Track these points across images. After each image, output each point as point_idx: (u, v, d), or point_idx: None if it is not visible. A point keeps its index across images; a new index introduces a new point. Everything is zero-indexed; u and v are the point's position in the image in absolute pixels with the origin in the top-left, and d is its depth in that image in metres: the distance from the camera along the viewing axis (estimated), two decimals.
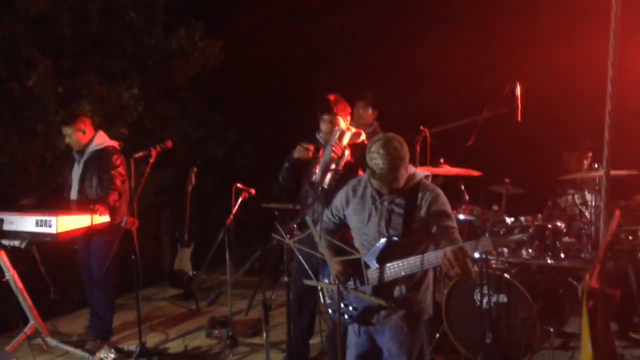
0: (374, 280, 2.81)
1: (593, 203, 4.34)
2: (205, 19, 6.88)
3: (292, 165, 4.00)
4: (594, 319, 1.59)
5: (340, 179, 3.61)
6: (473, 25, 6.25)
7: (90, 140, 4.73)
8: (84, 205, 4.55)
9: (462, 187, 4.75)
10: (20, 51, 5.68)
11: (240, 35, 7.16)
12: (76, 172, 4.73)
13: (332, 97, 3.95)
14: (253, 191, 4.65)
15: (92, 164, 4.67)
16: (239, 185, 4.61)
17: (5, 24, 5.53)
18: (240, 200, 4.55)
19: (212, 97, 7.59)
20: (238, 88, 7.52)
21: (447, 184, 4.51)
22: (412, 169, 2.87)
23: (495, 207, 4.49)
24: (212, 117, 7.57)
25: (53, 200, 4.86)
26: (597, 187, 4.32)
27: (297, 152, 3.97)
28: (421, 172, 2.93)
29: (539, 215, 4.43)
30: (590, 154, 4.82)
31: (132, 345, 4.63)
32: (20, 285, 4.52)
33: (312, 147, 3.94)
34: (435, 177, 4.08)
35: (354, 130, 3.93)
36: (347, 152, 3.80)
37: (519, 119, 3.82)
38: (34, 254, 4.39)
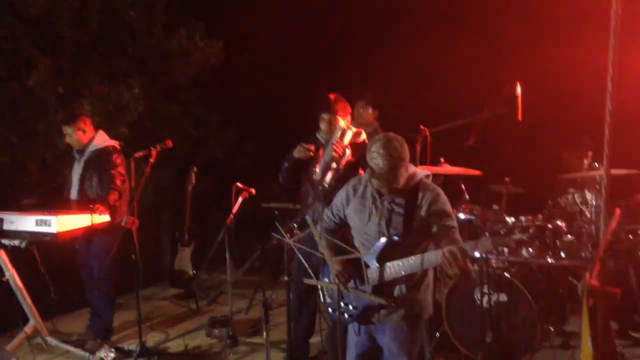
0: (374, 279, 2.81)
1: (593, 202, 4.34)
2: (206, 19, 6.87)
3: (292, 165, 4.00)
4: (594, 317, 1.59)
5: (341, 179, 3.61)
6: (473, 25, 6.25)
7: (91, 140, 4.74)
8: (84, 204, 4.55)
9: (462, 187, 4.75)
10: (20, 51, 5.68)
11: (241, 35, 7.16)
12: (76, 171, 4.74)
13: (332, 97, 3.95)
14: (253, 191, 4.65)
15: (92, 164, 4.68)
16: (239, 184, 4.61)
17: (6, 24, 5.53)
18: (240, 199, 4.55)
19: (213, 96, 7.59)
20: (238, 88, 7.51)
21: (447, 183, 4.51)
22: (412, 168, 2.87)
23: (495, 207, 4.48)
24: (213, 117, 7.57)
25: (53, 200, 4.86)
26: (597, 187, 4.32)
27: (297, 152, 3.97)
28: (422, 171, 2.93)
29: (540, 215, 4.42)
30: (590, 153, 4.82)
31: (132, 345, 4.63)
32: (21, 284, 4.53)
33: (312, 147, 3.95)
34: (435, 176, 4.08)
35: (354, 129, 3.94)
36: (348, 152, 3.80)
37: (520, 118, 3.81)
38: (34, 254, 4.39)
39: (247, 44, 7.18)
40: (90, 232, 4.47)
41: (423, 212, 2.78)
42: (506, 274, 4.08)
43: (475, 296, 4.14)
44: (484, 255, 3.94)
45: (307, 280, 3.00)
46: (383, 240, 2.80)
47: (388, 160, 2.67)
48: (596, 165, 4.68)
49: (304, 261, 2.96)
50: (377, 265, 2.80)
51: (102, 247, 4.61)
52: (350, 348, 3.03)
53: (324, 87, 4.14)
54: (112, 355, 4.41)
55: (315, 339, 4.34)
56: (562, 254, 4.19)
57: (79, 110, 5.37)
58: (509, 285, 4.05)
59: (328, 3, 6.87)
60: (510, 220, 4.31)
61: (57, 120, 5.50)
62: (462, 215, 4.54)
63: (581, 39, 5.17)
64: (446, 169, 4.32)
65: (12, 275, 4.47)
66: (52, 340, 4.68)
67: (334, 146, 3.77)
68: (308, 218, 2.82)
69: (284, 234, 3.00)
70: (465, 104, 4.58)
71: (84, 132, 4.70)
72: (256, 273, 5.94)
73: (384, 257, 2.78)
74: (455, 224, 2.81)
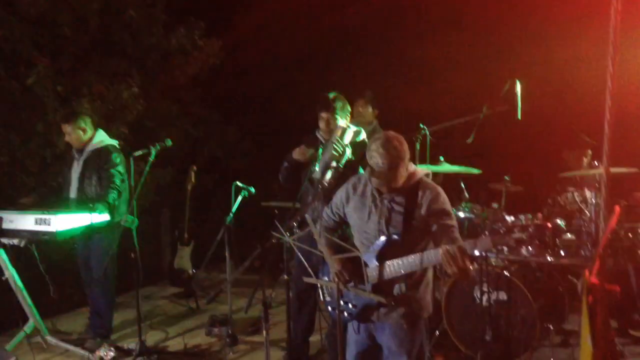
0: (374, 278, 2.81)
1: (593, 201, 4.34)
2: (205, 18, 6.87)
3: (292, 165, 4.00)
4: (593, 315, 1.59)
5: (341, 178, 3.61)
6: (473, 24, 6.26)
7: (90, 139, 4.73)
8: (83, 203, 4.55)
9: (462, 185, 4.75)
10: (20, 50, 5.68)
11: (240, 34, 7.16)
12: (75, 170, 4.73)
13: (331, 96, 3.95)
14: (253, 190, 4.65)
15: (91, 163, 4.67)
16: (238, 183, 4.61)
17: (5, 24, 5.53)
18: (240, 198, 4.55)
19: (212, 96, 7.59)
20: (238, 87, 7.52)
21: (447, 182, 4.51)
22: (412, 167, 2.87)
23: (495, 205, 4.48)
24: (212, 116, 7.57)
25: (52, 198, 4.86)
26: (596, 185, 4.32)
27: (296, 154, 3.97)
28: (421, 170, 2.93)
29: (539, 214, 4.42)
30: (589, 152, 4.82)
31: (132, 344, 4.63)
32: (20, 283, 4.53)
33: (311, 151, 3.95)
34: (434, 175, 4.08)
35: (354, 128, 3.94)
36: (347, 151, 3.80)
37: (519, 117, 3.81)
38: (34, 253, 4.39)
39: (246, 43, 7.18)
40: (90, 231, 4.47)
41: (423, 211, 2.78)
42: (506, 273, 4.08)
43: (475, 295, 4.15)
44: (483, 254, 3.95)
45: (306, 279, 3.00)
46: (383, 238, 2.80)
47: (387, 159, 2.68)
48: (595, 163, 4.68)
49: (303, 260, 2.96)
50: (377, 263, 2.80)
51: (102, 246, 4.61)
52: (350, 346, 3.03)
53: (324, 86, 4.14)
54: (112, 354, 4.41)
55: (315, 338, 4.34)
56: (562, 253, 4.19)
57: (79, 109, 5.37)
58: (509, 283, 4.05)
59: (328, 3, 6.87)
60: (509, 218, 4.31)
61: (56, 119, 5.50)
62: (461, 214, 4.54)
63: (581, 37, 5.17)
64: (446, 167, 4.32)
65: (11, 274, 4.47)
66: (51, 339, 4.67)
67: (334, 145, 3.76)
68: (308, 217, 2.81)
69: (284, 232, 3.00)
70: (465, 103, 4.59)
71: (84, 131, 4.70)
72: (256, 272, 5.94)
73: (383, 255, 2.78)
74: (454, 223, 2.81)
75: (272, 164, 4.35)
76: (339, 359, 2.80)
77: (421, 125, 4.09)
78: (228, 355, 4.55)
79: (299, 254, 2.99)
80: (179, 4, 6.91)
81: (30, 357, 4.44)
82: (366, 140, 3.86)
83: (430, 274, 2.95)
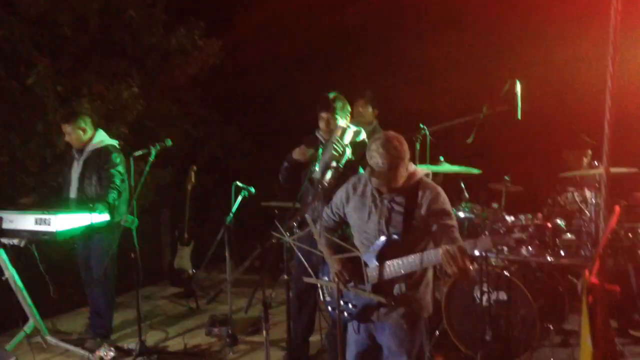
0: (374, 278, 2.81)
1: (593, 201, 4.34)
2: (205, 18, 6.87)
3: (292, 165, 4.00)
4: (593, 315, 1.59)
5: (341, 178, 3.61)
6: (473, 24, 6.26)
7: (90, 139, 4.73)
8: (83, 203, 4.55)
9: (462, 185, 4.75)
10: (20, 51, 5.68)
11: (240, 34, 7.16)
12: (75, 170, 4.73)
13: (331, 96, 3.95)
14: (253, 190, 4.65)
15: (91, 163, 4.67)
16: (238, 183, 4.61)
17: (5, 24, 5.53)
18: (240, 198, 4.55)
19: (212, 96, 7.59)
20: (238, 87, 7.52)
21: (447, 182, 4.51)
22: (412, 167, 2.87)
23: (495, 205, 4.48)
24: (212, 116, 7.57)
25: (52, 198, 4.86)
26: (596, 185, 4.32)
27: (296, 154, 3.97)
28: (421, 170, 2.93)
29: (539, 214, 4.42)
30: (589, 152, 4.82)
31: (132, 344, 4.63)
32: (20, 283, 4.52)
33: (312, 151, 3.95)
34: (434, 175, 4.08)
35: (354, 128, 3.93)
36: (347, 151, 3.80)
37: (519, 117, 3.81)
38: (34, 253, 4.39)
39: (246, 43, 7.18)
40: (90, 231, 4.47)
41: (423, 211, 2.78)
42: (506, 273, 4.08)
43: (475, 295, 4.15)
44: (483, 254, 3.95)
45: (306, 279, 3.00)
46: (383, 238, 2.80)
47: (387, 159, 2.68)
48: (595, 163, 4.68)
49: (303, 260, 2.96)
50: (377, 263, 2.80)
51: (102, 246, 4.61)
52: (350, 346, 3.03)
53: (324, 86, 4.14)
54: (112, 354, 4.41)
55: (315, 338, 4.34)
56: (562, 253, 4.19)
57: (79, 109, 5.37)
58: (509, 283, 4.05)
59: (328, 3, 6.87)
60: (509, 218, 4.31)
61: (56, 119, 5.50)
62: (461, 214, 4.54)
63: (580, 38, 5.17)
64: (446, 167, 4.33)
65: (11, 274, 4.47)
66: (51, 339, 4.67)
67: (334, 145, 3.76)
68: (308, 217, 2.81)
69: (284, 232, 3.00)
70: (465, 103, 4.59)
71: (84, 131, 4.69)
72: (256, 272, 5.94)
73: (383, 255, 2.78)
74: (454, 223, 2.81)
75: (272, 164, 4.34)
76: (339, 359, 2.80)
77: (421, 125, 4.08)
78: (228, 355, 4.55)
79: (299, 254, 2.99)
80: (179, 4, 6.91)
81: (30, 357, 4.44)
82: (366, 140, 3.86)
83: (430, 274, 2.95)
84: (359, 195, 2.94)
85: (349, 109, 4.05)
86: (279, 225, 3.04)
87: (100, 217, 4.47)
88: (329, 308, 3.11)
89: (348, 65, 6.78)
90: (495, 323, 4.03)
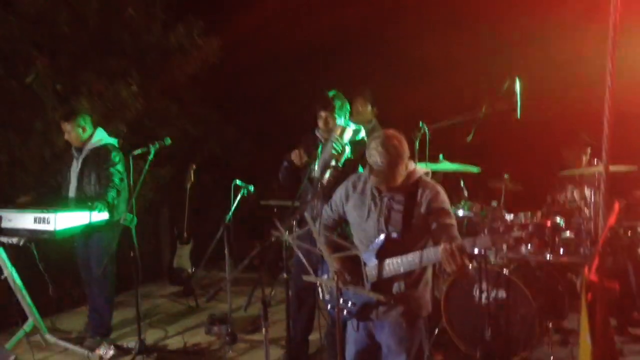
0: (373, 276, 2.81)
1: (592, 199, 4.34)
2: (204, 17, 6.86)
3: (291, 165, 4.01)
4: (593, 312, 1.59)
5: (340, 176, 3.60)
6: (472, 22, 6.25)
7: (90, 138, 4.72)
8: (83, 202, 4.54)
9: (461, 183, 4.75)
10: (18, 49, 5.67)
11: (239, 32, 7.14)
12: (74, 169, 4.73)
13: (330, 95, 3.95)
14: (252, 188, 4.64)
15: (90, 161, 4.67)
16: (238, 182, 4.61)
17: (4, 22, 5.52)
18: (239, 197, 4.55)
19: (211, 94, 7.58)
20: (237, 85, 7.51)
21: (446, 180, 4.50)
22: (412, 165, 2.87)
23: (494, 204, 4.48)
24: (211, 115, 7.56)
25: (51, 197, 4.85)
26: (596, 183, 4.32)
27: (294, 155, 3.98)
28: (421, 169, 2.93)
29: (538, 212, 4.42)
30: (588, 150, 4.82)
31: (131, 342, 4.63)
32: (19, 282, 4.52)
33: (306, 158, 3.96)
34: (434, 173, 4.08)
35: (353, 127, 3.93)
36: (347, 149, 3.80)
37: (518, 115, 3.81)
38: (33, 252, 4.38)
39: (245, 41, 7.17)
40: (89, 230, 4.47)
41: (422, 209, 2.78)
42: (505, 271, 4.08)
43: (474, 293, 4.14)
44: (482, 252, 3.95)
45: (306, 278, 3.00)
46: (382, 237, 2.80)
47: (386, 158, 2.68)
48: (595, 162, 4.68)
49: (302, 258, 2.95)
50: (376, 262, 2.79)
51: (101, 244, 4.61)
52: (349, 345, 3.03)
53: (323, 85, 4.13)
54: (111, 352, 4.42)
55: (314, 336, 4.34)
56: (561, 251, 4.19)
57: (79, 107, 5.36)
58: (508, 282, 4.05)
59: (327, 1, 6.86)
60: (509, 217, 4.31)
61: (55, 118, 5.49)
62: (461, 212, 4.54)
63: (580, 36, 5.17)
64: (445, 166, 4.32)
65: (10, 273, 4.47)
66: (51, 338, 4.67)
67: (333, 144, 3.76)
68: (307, 215, 2.81)
69: (283, 231, 3.00)
70: (464, 101, 4.59)
71: (84, 129, 4.69)
72: (255, 270, 5.93)
73: (382, 254, 2.78)
74: (454, 221, 2.81)
75: (272, 162, 4.34)
76: (338, 358, 2.80)
77: (421, 124, 4.08)
78: (227, 354, 4.56)
79: (298, 252, 2.99)
80: (178, 3, 6.91)
81: (29, 356, 4.44)
82: (365, 138, 3.85)
83: (429, 273, 2.95)
84: (359, 193, 2.94)
85: (348, 107, 4.05)
86: (278, 224, 3.03)
87: (100, 216, 4.47)
88: (329, 306, 3.11)
89: (347, 64, 6.77)
90: (495, 321, 4.03)
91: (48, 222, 4.19)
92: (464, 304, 4.22)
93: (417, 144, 4.00)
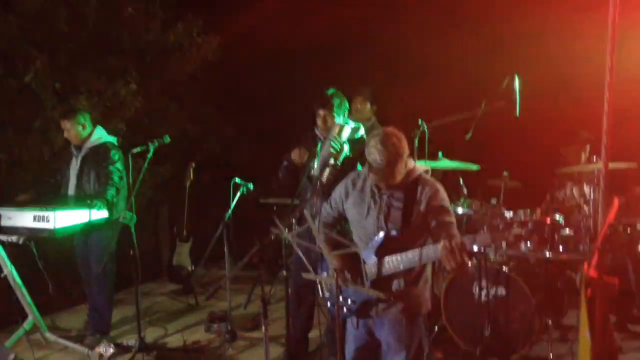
0: (373, 274, 2.81)
1: (591, 196, 4.34)
2: (203, 15, 6.86)
3: (291, 164, 4.01)
4: (592, 307, 1.59)
5: (339, 174, 3.61)
6: (471, 19, 6.25)
7: (89, 136, 4.72)
8: (82, 200, 4.54)
9: (461, 181, 4.75)
10: (16, 47, 5.66)
11: (239, 31, 7.14)
12: (74, 167, 4.73)
13: (329, 93, 3.95)
14: (251, 186, 4.64)
15: (90, 160, 4.67)
16: (237, 180, 4.61)
17: (1, 20, 5.51)
18: (238, 195, 4.55)
19: (210, 92, 7.58)
20: (236, 84, 7.51)
21: (446, 178, 4.51)
22: (411, 163, 2.87)
23: (493, 201, 4.49)
24: (211, 113, 7.56)
25: (51, 195, 4.85)
26: (595, 180, 4.32)
27: (294, 155, 3.99)
28: (421, 166, 2.93)
29: (538, 210, 4.42)
30: (587, 147, 4.82)
31: (131, 340, 4.63)
32: (19, 280, 4.52)
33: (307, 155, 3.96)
34: (434, 171, 4.08)
35: (352, 125, 3.93)
36: (345, 148, 3.80)
37: (517, 113, 3.81)
38: (32, 250, 4.38)
39: (245, 39, 7.17)
40: (89, 228, 4.47)
41: (422, 207, 2.78)
42: (504, 268, 4.09)
43: (474, 290, 4.15)
44: (482, 250, 3.95)
45: (305, 275, 3.00)
46: (381, 234, 2.80)
47: (385, 156, 2.68)
48: (594, 159, 4.68)
49: (302, 256, 2.95)
50: (376, 259, 2.80)
51: (101, 243, 4.61)
52: (349, 342, 3.03)
53: (322, 83, 4.13)
54: (111, 350, 4.42)
55: (314, 334, 4.34)
56: (561, 248, 4.19)
57: (79, 105, 5.36)
58: (507, 279, 4.05)
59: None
60: (508, 214, 4.31)
61: (54, 116, 5.50)
62: (460, 210, 4.54)
63: (579, 33, 5.16)
64: (444, 163, 4.33)
65: (10, 271, 4.47)
66: (50, 336, 4.68)
67: (331, 142, 3.76)
68: (306, 212, 2.81)
69: (283, 229, 3.00)
70: (464, 99, 4.57)
71: (84, 126, 4.68)
72: (254, 268, 5.93)
73: (382, 251, 2.79)
74: (453, 219, 2.81)
75: (271, 160, 4.34)
76: (338, 355, 2.80)
77: (420, 122, 4.08)
78: (227, 351, 4.56)
79: (298, 250, 2.99)
80: (178, 2, 6.90)
81: (29, 354, 4.44)
82: (365, 136, 3.86)
83: (429, 270, 2.96)
84: (358, 190, 2.94)
85: (347, 105, 4.05)
86: (277, 222, 3.04)
87: (99, 214, 4.47)
88: (328, 304, 3.11)
89: (347, 62, 6.77)
90: (494, 318, 4.04)
91: (47, 221, 4.18)
92: (463, 302, 4.23)
93: (416, 141, 4.00)
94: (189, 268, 6.23)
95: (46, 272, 4.52)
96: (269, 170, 4.58)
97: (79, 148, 4.73)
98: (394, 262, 2.75)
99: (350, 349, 3.02)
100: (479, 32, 6.09)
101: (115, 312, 5.03)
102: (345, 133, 3.83)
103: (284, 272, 3.52)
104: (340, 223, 3.16)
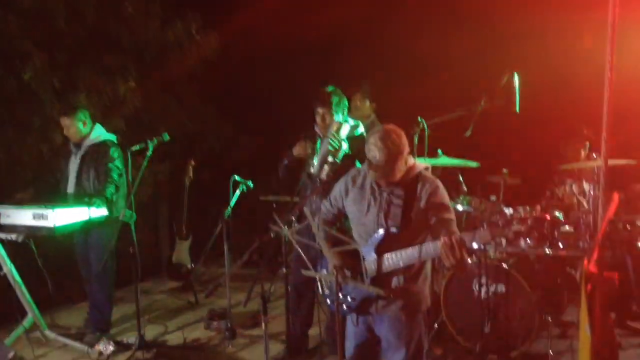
0: (372, 271, 2.81)
1: (591, 193, 4.34)
2: (202, 12, 6.85)
3: (292, 162, 4.02)
4: (592, 302, 1.59)
5: (338, 172, 3.61)
6: (471, 17, 6.24)
7: (89, 134, 4.72)
8: (81, 198, 4.54)
9: (460, 178, 4.75)
10: (15, 45, 5.64)
11: (238, 28, 7.13)
12: (73, 165, 4.72)
13: (327, 90, 3.94)
14: (251, 184, 4.64)
15: (89, 158, 4.66)
16: (236, 177, 4.60)
17: (1, 19, 5.49)
18: (238, 192, 4.55)
19: (209, 90, 7.57)
20: (235, 81, 7.50)
21: (445, 175, 4.50)
22: (411, 160, 2.87)
23: (493, 198, 4.49)
24: (210, 111, 7.55)
25: (50, 193, 4.85)
26: (595, 177, 4.32)
27: (297, 150, 3.99)
28: (421, 164, 2.93)
29: (537, 206, 4.42)
30: (587, 144, 4.82)
31: (131, 338, 4.63)
32: (19, 278, 4.52)
33: (311, 145, 3.95)
34: (434, 168, 4.08)
35: (351, 122, 3.93)
36: (344, 145, 3.80)
37: (517, 110, 3.81)
38: (32, 248, 4.38)
39: (244, 36, 7.15)
40: (88, 226, 4.47)
41: (422, 204, 2.78)
42: (504, 265, 4.09)
43: (474, 287, 4.15)
44: (482, 247, 3.95)
45: (305, 272, 3.00)
46: (381, 231, 2.80)
47: (385, 153, 2.68)
48: (594, 156, 4.68)
49: (302, 253, 2.96)
50: (375, 256, 2.80)
51: (100, 240, 4.61)
52: (349, 339, 3.03)
53: (322, 80, 4.13)
54: (111, 348, 4.41)
55: (313, 331, 4.35)
56: (560, 245, 4.19)
57: (79, 103, 5.35)
58: (507, 276, 4.06)
59: None
60: (508, 211, 4.31)
61: (53, 114, 5.49)
62: (459, 207, 4.54)
63: (579, 30, 5.16)
64: (444, 160, 4.32)
65: (10, 269, 4.47)
66: (50, 334, 4.68)
67: (330, 140, 3.76)
68: (306, 209, 2.81)
69: (282, 226, 3.00)
70: (463, 96, 4.57)
71: (84, 124, 4.68)
72: (254, 265, 5.95)
73: (382, 248, 2.79)
74: (453, 216, 2.82)
75: (271, 158, 4.34)
76: (338, 352, 2.81)
77: (419, 119, 4.08)
78: (227, 349, 4.56)
79: (298, 247, 2.99)
80: None
81: (29, 352, 4.44)
82: (364, 134, 3.86)
83: (428, 267, 2.96)
84: (358, 187, 2.94)
85: (346, 103, 4.05)
86: (277, 219, 3.04)
87: (99, 212, 4.47)
88: (328, 301, 3.11)
89: (346, 60, 6.76)
90: (494, 315, 4.04)
91: (47, 219, 4.18)
92: (463, 298, 4.23)
93: (416, 139, 4.00)
94: (189, 266, 6.23)
95: (45, 270, 4.52)
96: (269, 168, 4.58)
97: (78, 146, 4.72)
98: (393, 259, 2.75)
99: (350, 346, 3.02)
100: (479, 30, 6.09)
101: (115, 309, 5.04)
102: (344, 131, 3.82)
103: (284, 270, 3.53)
104: (340, 220, 3.16)
